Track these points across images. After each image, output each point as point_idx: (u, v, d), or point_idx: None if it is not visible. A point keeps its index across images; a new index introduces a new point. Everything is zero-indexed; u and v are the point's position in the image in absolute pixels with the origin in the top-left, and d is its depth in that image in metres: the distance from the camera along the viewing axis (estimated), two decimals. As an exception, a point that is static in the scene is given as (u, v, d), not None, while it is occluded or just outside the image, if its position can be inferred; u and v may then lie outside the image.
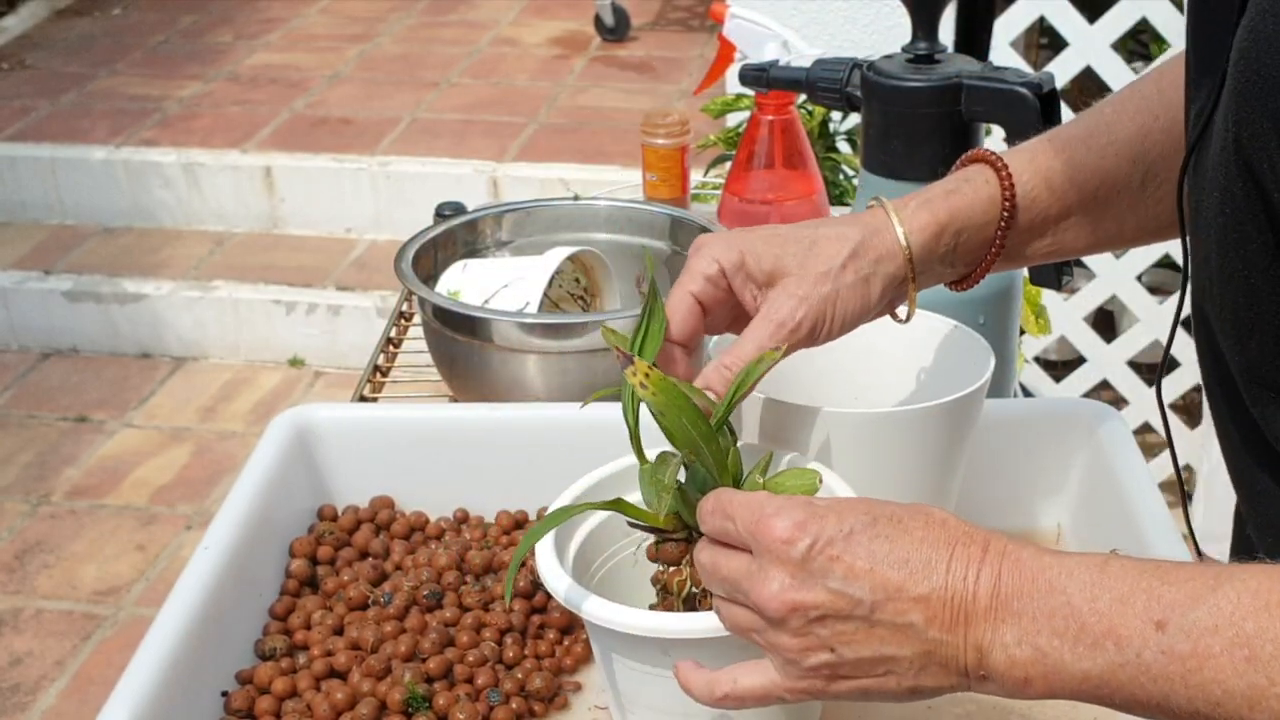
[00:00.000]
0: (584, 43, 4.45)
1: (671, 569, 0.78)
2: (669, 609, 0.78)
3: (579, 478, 0.88)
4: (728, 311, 0.84)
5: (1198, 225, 0.75)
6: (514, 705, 0.88)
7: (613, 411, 1.07)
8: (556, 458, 1.04)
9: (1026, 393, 1.92)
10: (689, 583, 0.77)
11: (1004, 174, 0.86)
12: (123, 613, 2.56)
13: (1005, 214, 0.87)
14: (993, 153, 0.88)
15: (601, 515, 0.88)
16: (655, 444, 0.79)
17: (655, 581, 0.79)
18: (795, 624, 0.66)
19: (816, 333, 0.82)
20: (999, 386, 1.20)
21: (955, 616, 0.64)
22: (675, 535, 0.78)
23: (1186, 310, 0.79)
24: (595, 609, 0.76)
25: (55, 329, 3.41)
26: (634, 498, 0.87)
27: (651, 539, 0.79)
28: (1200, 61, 0.75)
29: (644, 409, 0.77)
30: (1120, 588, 0.62)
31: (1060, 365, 2.74)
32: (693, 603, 0.78)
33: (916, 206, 0.86)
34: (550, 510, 0.81)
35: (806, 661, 0.67)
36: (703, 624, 0.74)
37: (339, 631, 0.95)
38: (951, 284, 0.91)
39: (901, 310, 0.89)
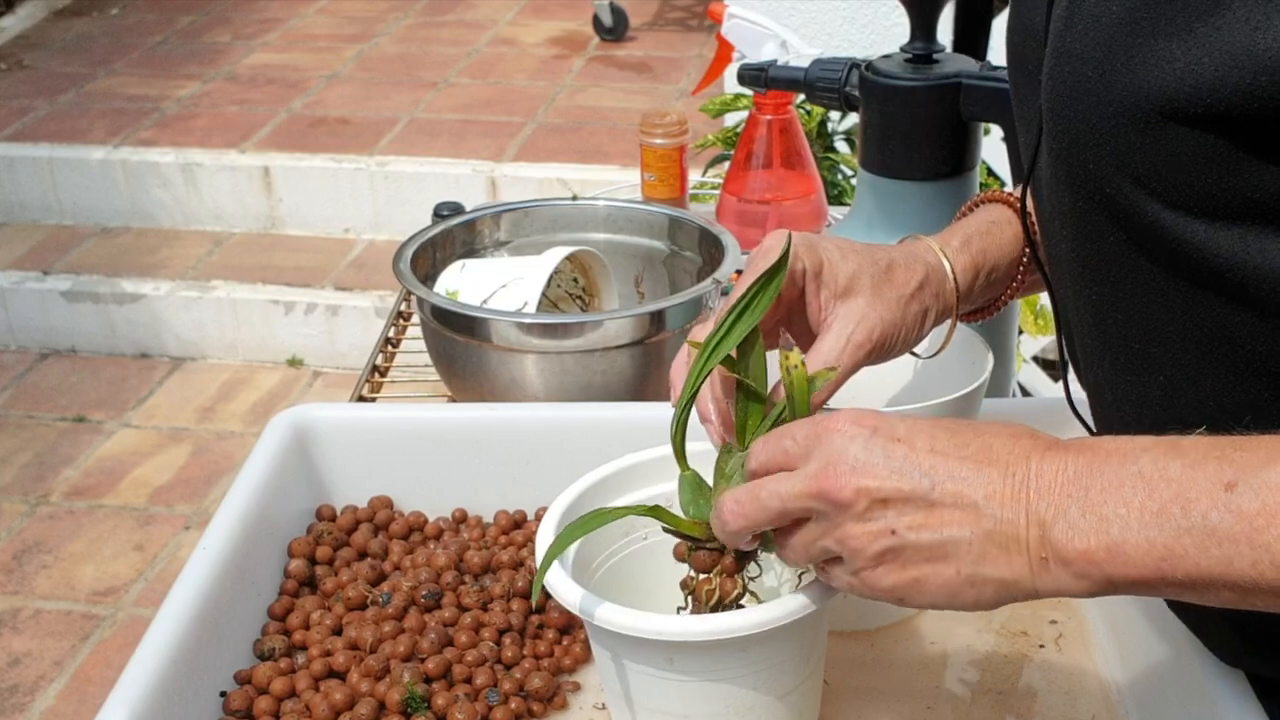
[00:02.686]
0: (582, 42, 4.45)
1: (701, 576, 0.78)
2: (696, 614, 0.78)
3: (578, 478, 0.88)
4: (786, 309, 0.83)
5: (1049, 250, 0.80)
6: (513, 705, 0.88)
7: (611, 412, 1.07)
8: (555, 458, 1.04)
9: (1025, 392, 1.93)
10: (717, 592, 0.77)
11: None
12: (121, 613, 2.56)
13: (1027, 255, 0.91)
14: (1014, 195, 0.93)
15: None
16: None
17: (684, 586, 0.79)
18: (861, 507, 0.66)
19: (881, 354, 0.83)
20: (997, 386, 1.20)
21: (1017, 492, 0.65)
22: (709, 544, 0.77)
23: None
24: (599, 611, 0.76)
25: (53, 329, 3.41)
26: (639, 496, 0.88)
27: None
28: (1022, 99, 0.81)
29: (692, 421, 0.78)
30: (1193, 455, 0.62)
31: (1058, 364, 2.74)
32: (719, 612, 0.77)
33: (959, 246, 0.89)
34: (583, 515, 0.79)
35: (872, 548, 0.67)
36: (707, 626, 0.74)
37: (338, 632, 0.95)
38: (964, 316, 0.93)
39: (924, 347, 0.90)
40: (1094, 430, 0.86)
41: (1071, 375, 0.88)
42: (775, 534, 0.72)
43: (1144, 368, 0.73)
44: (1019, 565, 0.65)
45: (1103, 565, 0.63)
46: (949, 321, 0.89)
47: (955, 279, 0.87)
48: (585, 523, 0.77)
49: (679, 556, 0.79)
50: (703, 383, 0.77)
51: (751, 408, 0.77)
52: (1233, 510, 0.60)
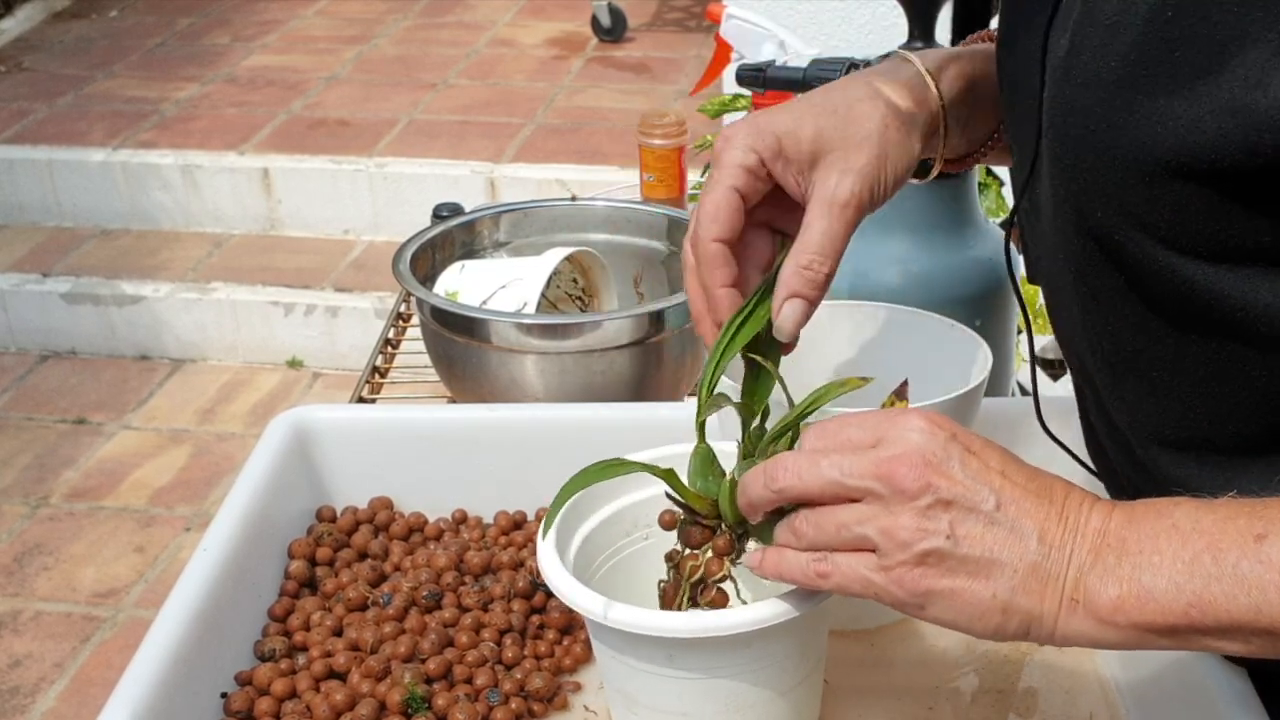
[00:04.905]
0: (581, 43, 4.45)
1: (688, 551, 0.78)
2: (675, 588, 0.78)
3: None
4: (766, 201, 0.80)
5: (1049, 273, 0.80)
6: (513, 705, 0.88)
7: (612, 412, 1.07)
8: (555, 458, 1.04)
9: (1025, 391, 1.92)
10: (702, 569, 0.77)
11: None
12: (122, 614, 2.56)
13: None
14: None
15: (603, 514, 0.88)
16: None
17: (669, 559, 0.79)
18: (924, 502, 0.66)
19: (875, 201, 0.80)
20: (996, 385, 1.20)
21: (1066, 535, 0.65)
22: (705, 520, 0.77)
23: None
24: (599, 608, 0.76)
25: (53, 331, 3.41)
26: (639, 497, 0.88)
27: (680, 518, 0.79)
28: (1014, 112, 0.80)
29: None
30: (1225, 510, 0.63)
31: (1057, 364, 2.74)
32: (697, 590, 0.77)
33: (945, 59, 0.84)
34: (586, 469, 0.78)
35: (919, 545, 0.66)
36: (708, 623, 0.74)
37: (338, 633, 0.95)
38: (949, 164, 0.89)
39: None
40: (1086, 422, 0.87)
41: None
42: (803, 510, 0.70)
43: (1150, 391, 0.74)
44: (1050, 604, 0.65)
45: (1130, 613, 0.64)
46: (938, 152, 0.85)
47: (938, 87, 0.83)
48: (603, 469, 0.77)
49: (665, 525, 0.79)
50: (722, 371, 0.77)
51: (763, 379, 0.77)
52: (1262, 560, 0.61)
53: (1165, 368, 0.72)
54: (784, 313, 0.76)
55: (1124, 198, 0.67)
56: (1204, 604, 0.62)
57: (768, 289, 0.77)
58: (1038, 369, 2.68)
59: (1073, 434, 1.04)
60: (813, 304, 0.77)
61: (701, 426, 0.78)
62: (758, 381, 0.78)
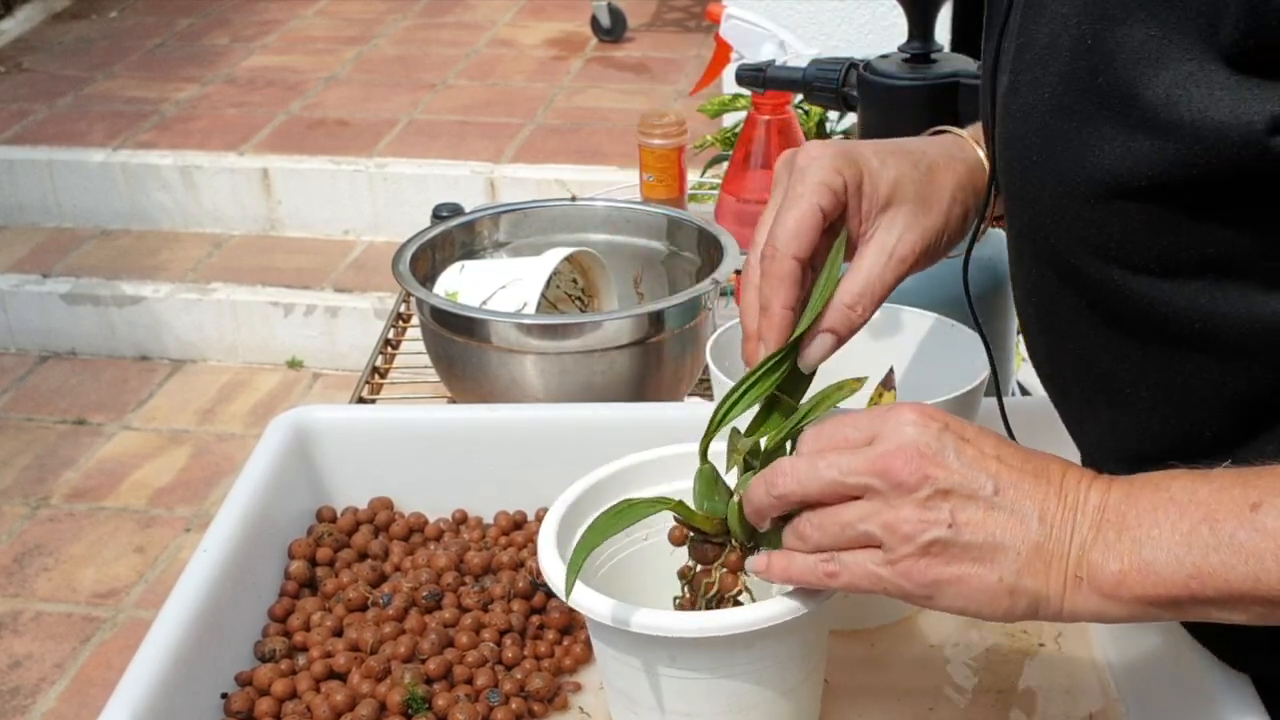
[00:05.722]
0: (580, 44, 4.45)
1: (700, 568, 0.78)
2: (691, 604, 0.78)
3: (578, 478, 0.88)
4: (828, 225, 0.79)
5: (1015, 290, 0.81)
6: (514, 706, 0.88)
7: (612, 412, 1.07)
8: (555, 458, 1.04)
9: (1024, 391, 1.92)
10: (716, 585, 0.77)
11: None
12: (122, 615, 2.56)
13: None
14: None
15: (600, 511, 0.88)
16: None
17: (682, 576, 0.79)
18: (923, 494, 0.66)
19: (923, 265, 0.81)
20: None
21: (1066, 512, 0.66)
22: (715, 539, 0.77)
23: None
24: (602, 608, 0.76)
25: (53, 331, 3.41)
26: (646, 494, 0.88)
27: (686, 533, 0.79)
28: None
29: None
30: (1220, 481, 0.64)
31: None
32: (712, 606, 0.77)
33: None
34: (610, 507, 0.78)
35: (922, 536, 0.66)
36: (712, 623, 0.74)
37: (338, 633, 0.95)
38: (996, 220, 0.90)
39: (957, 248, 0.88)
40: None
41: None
42: (807, 511, 0.70)
43: (1124, 410, 0.75)
44: (1055, 582, 0.66)
45: (1133, 587, 0.65)
46: (978, 222, 0.86)
47: (993, 168, 0.84)
48: (615, 517, 0.77)
49: (675, 540, 0.79)
50: (737, 415, 0.77)
51: (777, 413, 0.77)
52: (1259, 529, 0.62)
53: (1135, 384, 0.73)
54: (815, 344, 0.77)
55: (1073, 223, 0.68)
56: (1204, 575, 0.63)
57: (795, 344, 0.77)
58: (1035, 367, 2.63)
59: (1062, 442, 1.04)
60: (841, 343, 0.78)
61: (705, 450, 0.78)
62: (770, 414, 0.77)
